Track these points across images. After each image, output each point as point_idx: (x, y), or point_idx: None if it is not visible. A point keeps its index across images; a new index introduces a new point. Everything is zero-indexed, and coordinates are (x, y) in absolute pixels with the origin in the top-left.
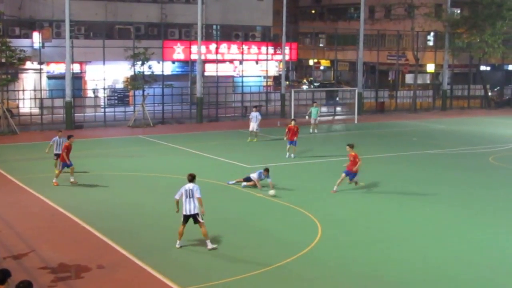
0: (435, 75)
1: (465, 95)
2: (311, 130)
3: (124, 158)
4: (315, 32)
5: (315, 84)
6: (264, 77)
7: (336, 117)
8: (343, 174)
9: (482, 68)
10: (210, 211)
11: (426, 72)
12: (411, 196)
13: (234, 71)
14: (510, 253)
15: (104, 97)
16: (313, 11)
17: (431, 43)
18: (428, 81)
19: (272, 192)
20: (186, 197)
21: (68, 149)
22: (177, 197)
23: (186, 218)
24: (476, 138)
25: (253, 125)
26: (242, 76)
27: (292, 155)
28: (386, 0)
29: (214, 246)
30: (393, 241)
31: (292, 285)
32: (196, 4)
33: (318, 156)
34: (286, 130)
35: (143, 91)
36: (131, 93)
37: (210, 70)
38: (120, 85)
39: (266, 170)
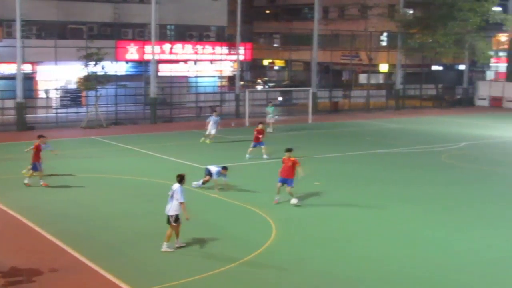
0: (389, 75)
1: (417, 95)
2: (267, 129)
3: (77, 160)
4: (270, 32)
5: (270, 84)
6: (219, 77)
7: (291, 117)
8: (279, 184)
9: (434, 68)
10: (163, 211)
11: (379, 72)
12: (365, 195)
13: (188, 71)
14: (461, 250)
15: (57, 97)
16: (267, 11)
17: (384, 43)
18: (382, 81)
19: (294, 200)
20: (170, 197)
21: (38, 149)
22: (170, 196)
23: (167, 218)
24: (429, 137)
25: (210, 129)
26: (197, 76)
27: (265, 156)
28: (340, 1)
29: (170, 250)
30: (347, 239)
31: (248, 284)
32: (150, 4)
33: (272, 156)
34: (255, 133)
35: (96, 91)
36: (84, 93)
37: (164, 70)
38: (72, 86)
39: (225, 168)
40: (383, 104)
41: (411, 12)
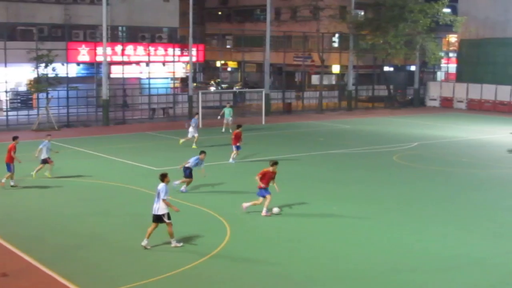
0: (341, 76)
1: (369, 95)
2: (223, 130)
3: (28, 163)
4: (222, 34)
5: (223, 85)
6: (172, 78)
7: (244, 118)
8: (261, 198)
9: (386, 69)
10: (117, 213)
11: (331, 73)
12: (318, 195)
13: (141, 73)
14: (416, 249)
15: (6, 100)
16: (219, 13)
17: (336, 45)
18: (334, 82)
19: (276, 210)
20: (156, 197)
21: (14, 150)
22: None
23: (153, 217)
24: (381, 138)
25: (191, 132)
26: (149, 78)
27: (232, 160)
28: (292, 2)
29: (180, 244)
30: (301, 240)
31: (201, 287)
32: (101, 5)
33: (227, 157)
34: (233, 136)
35: (47, 93)
36: (34, 96)
37: (116, 72)
38: (23, 88)
39: (203, 152)
40: (336, 105)
41: (362, 13)
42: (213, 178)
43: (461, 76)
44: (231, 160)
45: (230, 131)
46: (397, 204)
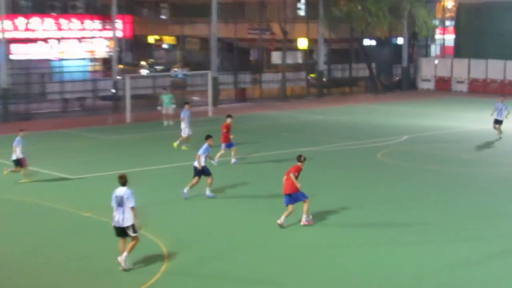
0: (309, 53)
1: (346, 77)
2: (164, 123)
3: None
4: (155, 1)
5: (158, 67)
6: (91, 60)
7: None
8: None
9: (366, 43)
10: (14, 234)
11: (297, 49)
12: (275, 206)
13: (50, 53)
14: (385, 263)
15: None
16: None
17: (302, 13)
18: (300, 61)
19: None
20: (117, 205)
21: None
22: (112, 204)
23: (116, 231)
24: (361, 131)
25: (185, 129)
26: (62, 59)
27: (233, 159)
28: None
29: (129, 266)
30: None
31: None
32: None
33: (167, 159)
34: (225, 130)
35: None
36: None
37: (19, 52)
38: None
39: (209, 137)
40: (303, 90)
41: None
42: (147, 187)
43: (460, 50)
44: (215, 161)
45: (171, 123)
46: (378, 216)
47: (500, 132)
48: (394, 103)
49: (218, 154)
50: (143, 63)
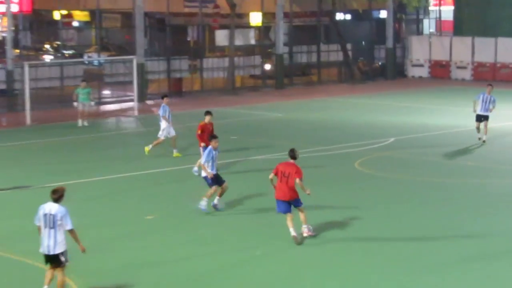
0: (264, 31)
1: (313, 62)
2: (79, 123)
3: None
4: None
5: (67, 52)
6: None
7: (106, 107)
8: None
9: (339, 17)
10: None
11: (249, 27)
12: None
13: None
14: None
15: None
16: None
17: None
18: (254, 42)
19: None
20: (45, 226)
21: None
22: (36, 222)
23: (46, 259)
24: (334, 132)
25: (167, 129)
26: None
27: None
28: None
29: None
30: None
31: None
32: None
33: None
34: (199, 131)
35: None
36: None
37: None
38: None
39: (214, 138)
40: (257, 80)
41: None
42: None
43: (461, 26)
44: (195, 168)
45: (86, 124)
46: (354, 253)
47: (486, 132)
48: (376, 95)
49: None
50: (47, 46)
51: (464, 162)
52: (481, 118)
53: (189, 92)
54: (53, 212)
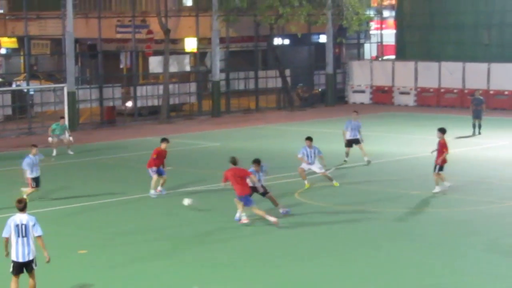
0: (200, 57)
1: (251, 89)
2: (54, 153)
3: None
4: None
5: None
6: None
7: (32, 137)
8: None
9: (277, 42)
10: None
11: (184, 53)
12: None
13: None
14: None
15: None
16: None
17: (189, 3)
18: (189, 68)
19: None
20: (18, 235)
21: None
22: (5, 235)
23: (19, 267)
24: (273, 161)
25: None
26: None
27: (163, 190)
28: None
29: None
30: None
31: None
32: None
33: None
34: (154, 155)
35: None
36: None
37: None
38: None
39: (256, 162)
40: (194, 107)
41: None
42: None
43: (404, 50)
44: (152, 192)
45: (71, 152)
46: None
47: (364, 153)
48: (316, 121)
49: (153, 183)
50: None
51: (408, 191)
52: (351, 144)
53: (122, 120)
54: (24, 222)
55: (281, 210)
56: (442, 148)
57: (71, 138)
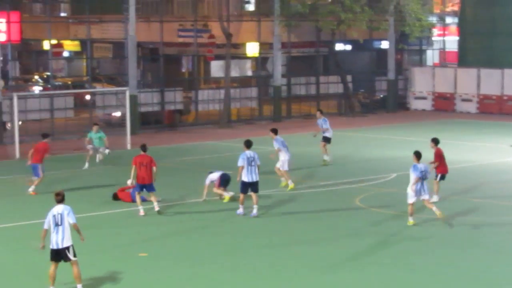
0: (261, 62)
1: (312, 95)
2: (86, 166)
3: None
4: None
5: (56, 83)
6: None
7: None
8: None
9: (339, 47)
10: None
11: (245, 57)
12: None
13: None
14: None
15: None
16: None
17: (251, 8)
18: (250, 73)
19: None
20: (55, 225)
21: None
22: (45, 226)
23: (54, 253)
24: (334, 167)
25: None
26: None
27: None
28: None
29: None
30: None
31: None
32: None
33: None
34: (32, 150)
35: None
36: None
37: None
38: None
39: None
40: (254, 111)
41: None
42: None
43: (466, 57)
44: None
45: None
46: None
47: (325, 151)
48: (376, 128)
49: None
50: (36, 77)
51: (470, 198)
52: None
53: (184, 124)
54: (60, 211)
55: (239, 211)
56: (437, 158)
57: (107, 151)
